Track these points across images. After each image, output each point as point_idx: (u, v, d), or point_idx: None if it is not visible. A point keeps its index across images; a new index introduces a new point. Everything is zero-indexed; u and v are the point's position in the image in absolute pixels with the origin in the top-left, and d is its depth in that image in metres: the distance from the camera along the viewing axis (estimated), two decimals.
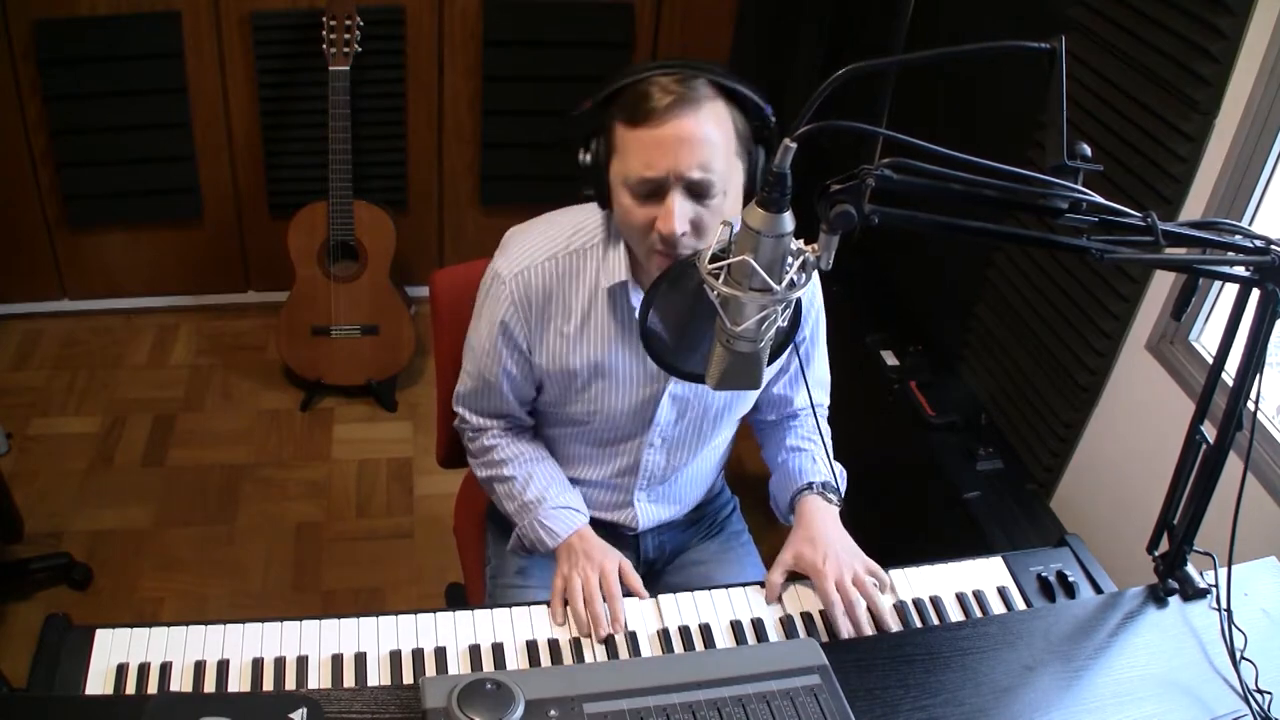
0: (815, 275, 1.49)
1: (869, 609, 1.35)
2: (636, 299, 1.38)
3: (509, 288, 1.40)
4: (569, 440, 1.55)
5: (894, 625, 1.35)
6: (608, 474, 1.56)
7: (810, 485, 1.51)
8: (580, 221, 1.41)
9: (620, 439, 1.52)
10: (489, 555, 1.67)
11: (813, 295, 1.51)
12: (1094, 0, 1.99)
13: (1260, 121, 1.70)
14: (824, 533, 1.43)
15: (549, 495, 1.49)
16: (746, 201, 1.29)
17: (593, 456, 1.55)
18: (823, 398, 1.62)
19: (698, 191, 1.23)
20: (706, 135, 1.21)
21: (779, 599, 1.38)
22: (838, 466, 1.55)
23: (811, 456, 1.57)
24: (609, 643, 1.30)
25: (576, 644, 1.30)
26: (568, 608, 1.34)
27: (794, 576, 1.41)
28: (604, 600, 1.34)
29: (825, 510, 1.48)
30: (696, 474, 1.62)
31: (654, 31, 3.08)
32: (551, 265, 1.39)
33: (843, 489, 1.54)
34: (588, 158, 1.29)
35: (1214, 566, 1.31)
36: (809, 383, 1.54)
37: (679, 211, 1.22)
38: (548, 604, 1.35)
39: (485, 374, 1.48)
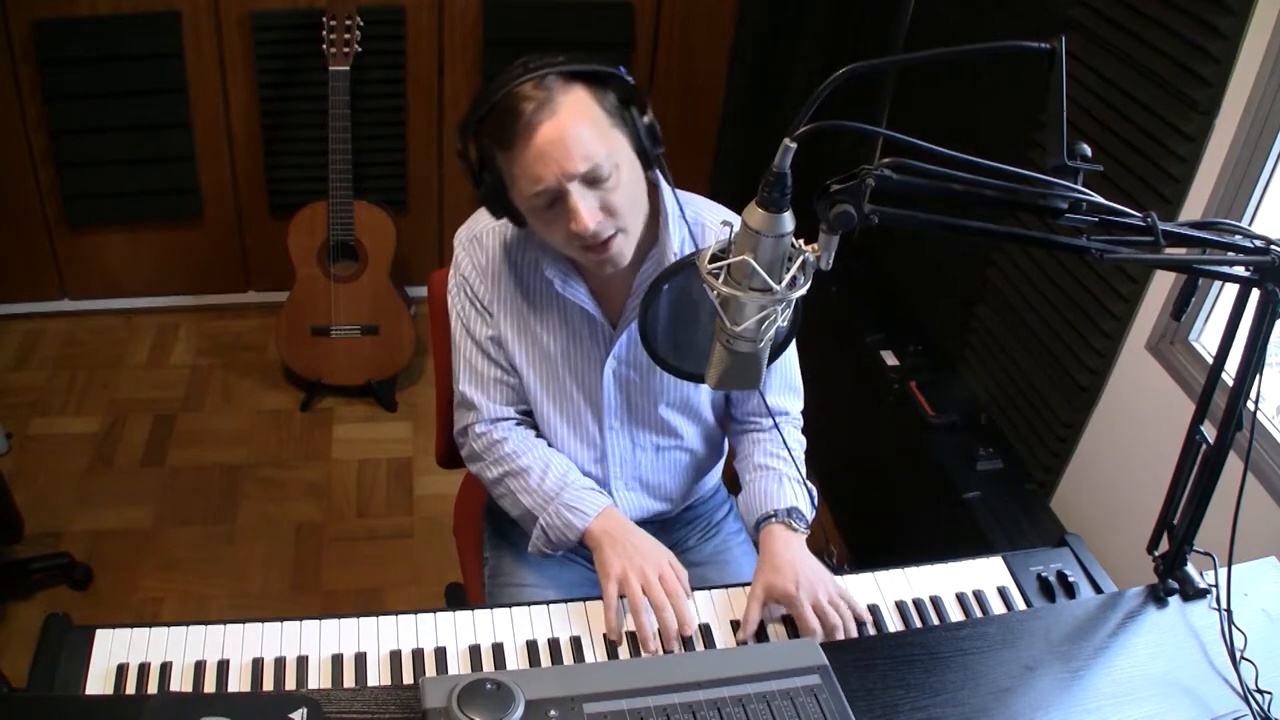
0: None
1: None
2: (554, 272, 1.40)
3: (467, 250, 1.45)
4: (542, 431, 1.54)
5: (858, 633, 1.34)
6: (582, 463, 1.54)
7: (775, 513, 1.46)
8: None
9: (582, 422, 1.51)
10: (487, 556, 1.67)
11: None
12: (1094, 0, 1.99)
13: (1260, 121, 1.70)
14: (789, 560, 1.38)
15: (570, 479, 1.47)
16: (645, 164, 1.30)
17: (564, 446, 1.53)
18: (793, 402, 1.60)
19: (593, 179, 1.25)
20: (575, 127, 1.23)
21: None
22: (805, 487, 1.50)
23: (779, 477, 1.51)
24: (609, 643, 1.30)
25: (576, 644, 1.29)
26: (626, 614, 1.32)
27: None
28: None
29: (788, 538, 1.43)
30: (673, 462, 1.59)
31: (654, 31, 3.08)
32: (502, 229, 1.43)
33: (810, 512, 1.49)
34: (484, 190, 1.30)
35: (1214, 566, 1.31)
36: (764, 392, 1.53)
37: (585, 208, 1.24)
38: (548, 604, 1.34)
39: (473, 333, 1.48)
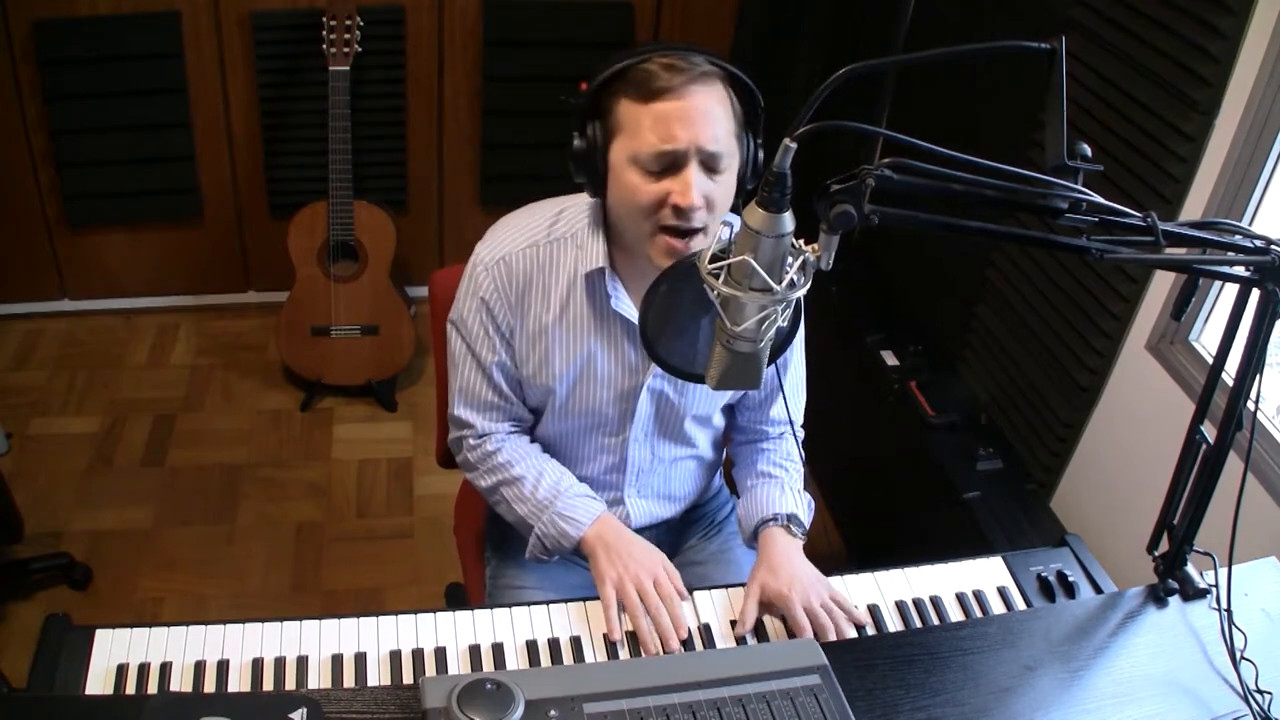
0: None
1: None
2: (613, 287, 1.39)
3: (491, 274, 1.41)
4: (557, 439, 1.54)
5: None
6: (597, 471, 1.55)
7: (775, 518, 1.47)
8: (563, 210, 1.42)
9: (606, 434, 1.51)
10: (488, 556, 1.67)
11: None
12: (1094, 0, 1.99)
13: (1260, 121, 1.70)
14: (786, 562, 1.39)
15: (563, 488, 1.47)
16: (739, 188, 1.30)
17: (580, 454, 1.54)
18: (796, 409, 1.60)
19: (711, 165, 1.25)
20: (718, 110, 1.25)
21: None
22: (805, 496, 1.53)
23: (781, 485, 1.53)
24: (609, 643, 1.30)
25: (576, 644, 1.29)
26: (624, 615, 1.32)
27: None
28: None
29: (787, 542, 1.44)
30: (686, 471, 1.61)
31: (654, 31, 3.08)
32: (532, 253, 1.40)
33: (809, 520, 1.51)
34: (582, 142, 1.29)
35: (1214, 566, 1.31)
36: (787, 395, 1.53)
37: (697, 184, 1.24)
38: (548, 604, 1.34)
39: (480, 359, 1.46)
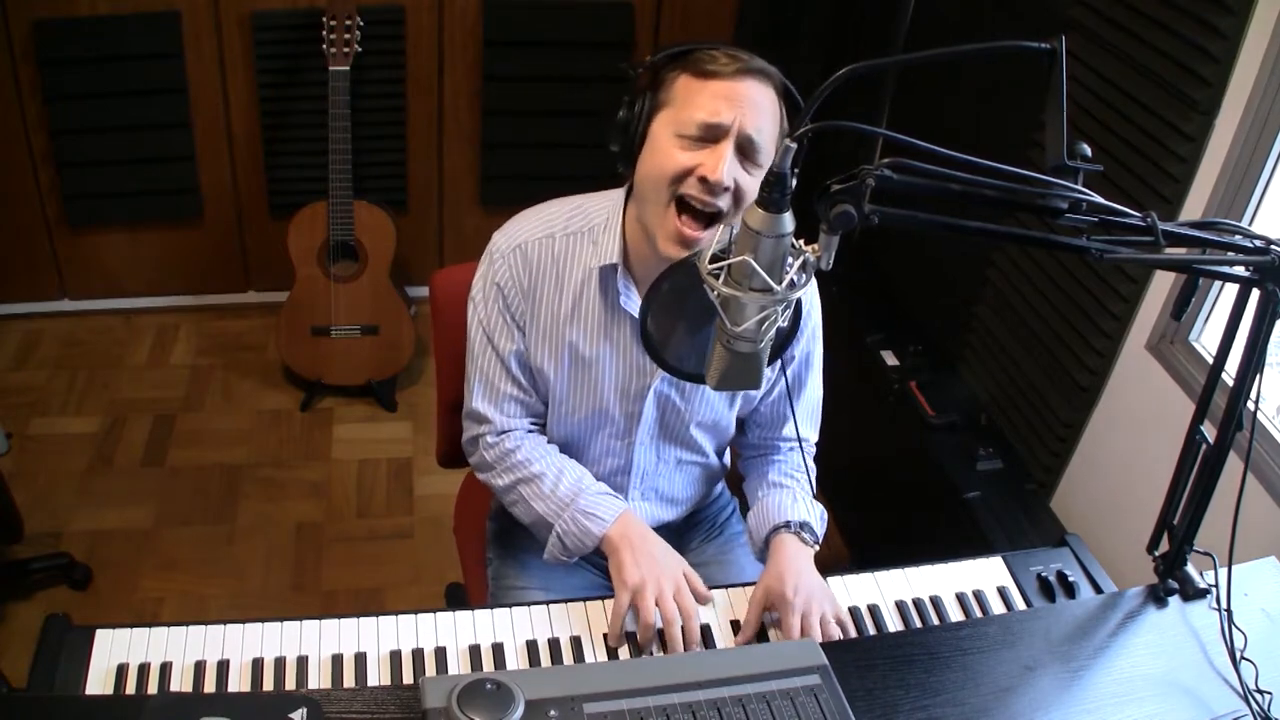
0: (815, 295, 1.50)
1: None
2: (624, 285, 1.39)
3: (507, 261, 1.41)
4: (564, 439, 1.53)
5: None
6: (603, 472, 1.54)
7: (787, 524, 1.46)
8: (582, 205, 1.42)
9: (612, 436, 1.51)
10: (489, 556, 1.67)
11: (809, 311, 1.49)
12: (1094, 0, 1.99)
13: (1260, 121, 1.70)
14: (795, 570, 1.38)
15: (584, 485, 1.46)
16: None
17: (587, 455, 1.53)
18: (810, 432, 1.60)
19: (747, 153, 1.26)
20: (768, 107, 1.28)
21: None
22: (818, 506, 1.52)
23: (793, 494, 1.52)
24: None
25: (576, 644, 1.30)
26: (628, 619, 1.32)
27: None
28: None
29: (799, 550, 1.43)
30: (690, 475, 1.61)
31: (654, 31, 3.08)
32: (548, 243, 1.41)
33: (820, 530, 1.49)
34: (628, 112, 1.31)
35: (1214, 566, 1.31)
36: (795, 411, 1.52)
37: (729, 161, 1.25)
38: (548, 604, 1.34)
39: (498, 348, 1.45)
